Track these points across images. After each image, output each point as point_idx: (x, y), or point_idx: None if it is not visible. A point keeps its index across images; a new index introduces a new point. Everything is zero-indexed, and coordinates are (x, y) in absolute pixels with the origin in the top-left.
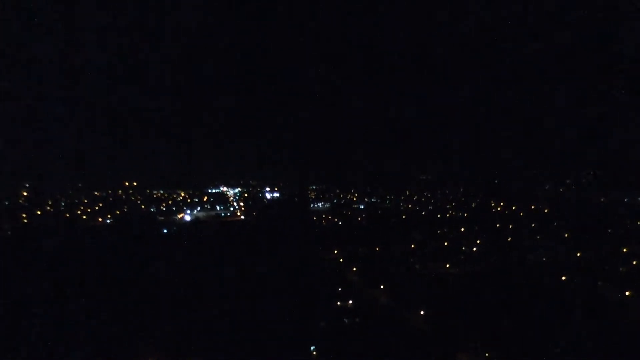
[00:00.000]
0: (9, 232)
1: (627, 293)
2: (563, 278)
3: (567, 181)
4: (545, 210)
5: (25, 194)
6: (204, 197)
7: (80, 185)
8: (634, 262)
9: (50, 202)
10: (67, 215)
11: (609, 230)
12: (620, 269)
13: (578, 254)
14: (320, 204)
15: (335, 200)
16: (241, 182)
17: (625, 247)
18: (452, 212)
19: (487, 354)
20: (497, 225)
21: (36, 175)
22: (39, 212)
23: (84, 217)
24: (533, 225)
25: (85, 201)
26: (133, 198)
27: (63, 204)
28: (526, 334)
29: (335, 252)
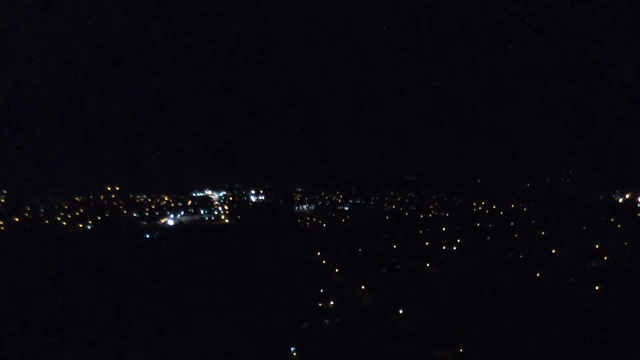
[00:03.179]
0: None
1: (596, 288)
2: (537, 275)
3: (547, 180)
4: (525, 209)
5: (2, 200)
6: (188, 201)
7: (60, 190)
8: (605, 258)
9: (28, 209)
10: (47, 221)
11: (584, 227)
12: (592, 264)
13: (553, 251)
14: (305, 206)
15: (320, 203)
16: (226, 186)
17: (597, 244)
18: (434, 212)
19: (461, 350)
20: (478, 224)
21: (14, 180)
22: (16, 219)
23: (64, 223)
24: (512, 223)
25: (66, 207)
26: (115, 203)
27: (42, 210)
28: (500, 329)
29: (319, 253)
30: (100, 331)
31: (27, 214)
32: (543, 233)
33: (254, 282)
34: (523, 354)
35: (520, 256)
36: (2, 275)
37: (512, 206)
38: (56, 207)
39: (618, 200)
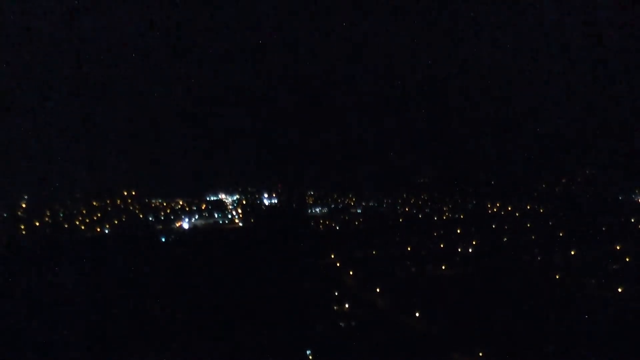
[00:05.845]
0: (8, 244)
1: (619, 290)
2: (557, 277)
3: (563, 180)
4: (541, 210)
5: (24, 205)
6: (202, 205)
7: (78, 195)
8: (627, 259)
9: (48, 213)
10: (66, 225)
11: (603, 228)
12: (614, 266)
13: (572, 253)
14: (318, 209)
15: (333, 205)
16: (239, 189)
17: (618, 245)
18: (448, 214)
19: (480, 354)
20: (493, 226)
21: (35, 186)
22: (37, 224)
23: (82, 227)
24: (528, 225)
25: (84, 211)
26: (131, 207)
27: (61, 215)
28: (519, 333)
29: (332, 256)
30: (118, 333)
31: (47, 219)
32: (561, 234)
33: (269, 285)
34: (543, 358)
35: (538, 258)
36: (24, 278)
37: (528, 207)
38: (75, 211)
39: (638, 201)
